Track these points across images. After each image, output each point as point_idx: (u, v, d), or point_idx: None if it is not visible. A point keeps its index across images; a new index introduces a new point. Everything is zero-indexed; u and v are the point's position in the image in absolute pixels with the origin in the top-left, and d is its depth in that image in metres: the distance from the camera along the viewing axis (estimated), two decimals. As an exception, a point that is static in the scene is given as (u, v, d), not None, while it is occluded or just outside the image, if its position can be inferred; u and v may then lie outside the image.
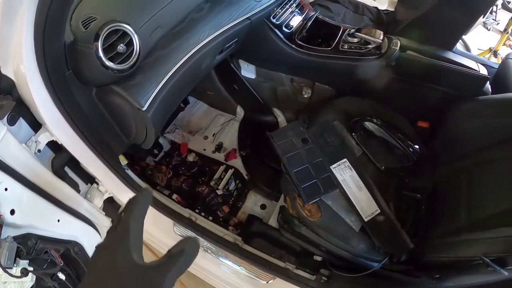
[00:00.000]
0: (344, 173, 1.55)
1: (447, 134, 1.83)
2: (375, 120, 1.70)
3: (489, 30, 4.72)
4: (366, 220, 1.47)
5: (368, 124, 1.71)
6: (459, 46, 3.51)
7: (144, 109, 1.21)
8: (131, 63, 1.17)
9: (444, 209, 1.65)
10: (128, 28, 1.14)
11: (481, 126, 1.69)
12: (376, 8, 2.73)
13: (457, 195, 1.61)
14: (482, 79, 1.79)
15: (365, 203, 1.50)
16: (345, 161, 1.58)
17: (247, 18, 1.59)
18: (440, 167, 1.80)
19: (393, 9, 2.60)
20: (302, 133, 1.62)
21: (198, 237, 1.61)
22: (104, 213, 1.52)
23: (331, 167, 1.55)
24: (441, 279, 1.39)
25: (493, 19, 4.77)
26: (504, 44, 4.18)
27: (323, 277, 1.52)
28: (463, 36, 3.45)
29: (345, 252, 1.50)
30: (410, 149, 1.68)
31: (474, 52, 3.74)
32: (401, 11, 2.46)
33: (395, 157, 1.71)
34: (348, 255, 1.51)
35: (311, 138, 1.61)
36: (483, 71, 1.81)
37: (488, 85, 1.82)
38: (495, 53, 3.64)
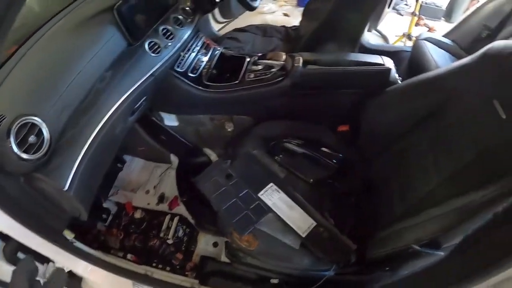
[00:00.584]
0: (273, 197, 1.60)
1: (367, 131, 1.90)
2: (291, 139, 1.77)
3: (402, 15, 4.91)
4: (303, 235, 1.51)
5: (286, 145, 1.77)
6: (376, 38, 3.67)
7: (65, 189, 1.23)
8: (45, 150, 1.20)
9: (381, 202, 1.71)
10: (35, 119, 1.17)
11: (395, 115, 1.77)
12: (284, 26, 2.82)
13: (389, 186, 1.67)
14: (384, 71, 1.87)
15: (299, 220, 1.55)
16: (272, 185, 1.63)
17: (150, 75, 1.64)
18: (370, 164, 1.87)
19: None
20: (225, 170, 1.67)
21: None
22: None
23: (259, 194, 1.60)
24: (392, 270, 1.43)
25: (405, 4, 4.98)
26: (418, 25, 4.37)
27: (281, 299, 1.55)
28: (379, 27, 3.61)
29: (294, 270, 1.54)
30: (333, 158, 1.74)
31: (392, 40, 3.87)
32: (304, 25, 2.56)
33: (320, 167, 1.76)
34: (298, 272, 1.54)
35: (235, 172, 1.66)
36: (387, 63, 1.91)
37: (394, 75, 1.90)
38: (409, 37, 3.77)
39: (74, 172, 1.27)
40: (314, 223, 1.55)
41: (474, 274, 0.85)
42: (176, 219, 2.11)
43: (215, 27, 2.67)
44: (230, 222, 1.51)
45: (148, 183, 2.34)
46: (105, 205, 2.22)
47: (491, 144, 1.33)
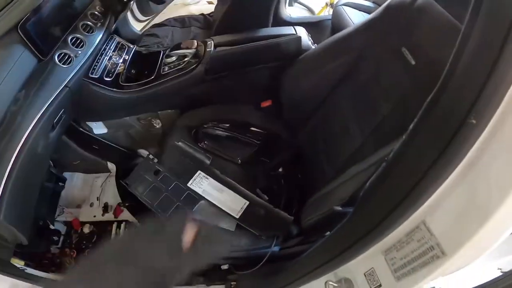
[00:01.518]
0: (202, 184, 1.60)
1: (288, 102, 1.92)
2: (210, 123, 1.77)
3: (327, -16, 4.92)
4: (237, 216, 1.53)
5: (209, 130, 1.78)
6: (301, 11, 3.68)
7: None
8: None
9: (312, 169, 1.73)
10: None
11: (311, 82, 1.78)
12: (202, 14, 2.80)
13: (318, 152, 1.70)
14: (294, 40, 1.88)
15: (231, 202, 1.56)
16: (199, 173, 1.64)
17: (64, 86, 1.60)
18: (298, 134, 1.89)
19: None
20: (153, 167, 1.66)
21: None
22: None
23: (188, 184, 1.60)
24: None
25: (326, -28, 4.98)
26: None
27: (232, 283, 1.56)
28: (301, 0, 3.62)
29: (237, 253, 1.55)
30: (256, 135, 1.76)
31: (318, 10, 3.88)
32: (217, 9, 2.55)
33: (245, 146, 1.78)
34: (242, 253, 1.56)
35: (163, 167, 1.66)
36: (300, 31, 1.92)
37: (307, 43, 1.92)
38: (332, 6, 3.79)
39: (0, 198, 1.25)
40: (247, 203, 1.57)
41: (370, 230, 0.84)
42: (122, 226, 2.10)
43: (137, 26, 2.62)
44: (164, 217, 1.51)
45: (91, 195, 2.31)
46: (54, 227, 2.18)
47: (403, 93, 1.36)
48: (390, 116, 1.40)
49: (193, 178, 1.62)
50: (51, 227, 2.14)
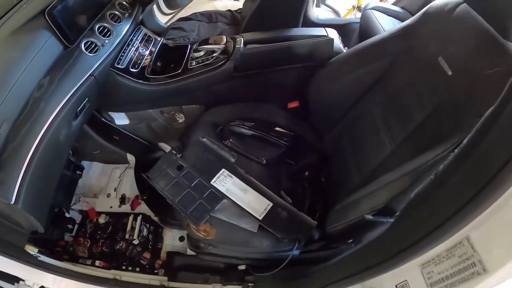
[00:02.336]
0: (226, 182, 1.58)
1: (317, 105, 1.89)
2: (237, 122, 1.74)
3: (353, -12, 4.89)
4: (260, 218, 1.49)
5: (235, 128, 1.75)
6: (327, 13, 3.65)
7: (12, 202, 1.20)
8: None
9: (338, 175, 1.71)
10: None
11: (342, 85, 1.75)
12: (229, 10, 2.78)
13: (345, 158, 1.67)
14: (326, 42, 1.84)
15: (255, 202, 1.53)
16: (223, 171, 1.61)
17: (90, 75, 1.58)
18: (324, 137, 1.86)
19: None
20: (176, 162, 1.64)
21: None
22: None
23: (211, 182, 1.57)
24: (355, 242, 1.42)
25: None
26: (366, -4, 4.35)
27: (249, 284, 1.55)
28: (328, 2, 3.59)
29: (257, 254, 1.53)
30: (283, 136, 1.72)
31: (343, 13, 3.85)
32: (246, 6, 2.53)
33: (271, 147, 1.75)
34: (262, 255, 1.53)
35: (186, 163, 1.63)
36: (331, 33, 1.88)
37: (338, 45, 1.88)
38: (359, 9, 3.77)
39: (19, 185, 1.24)
40: (271, 204, 1.54)
41: (413, 244, 0.81)
42: (139, 219, 2.07)
43: (162, 19, 2.60)
44: (185, 214, 1.49)
45: (108, 186, 2.30)
46: (69, 215, 2.18)
47: (438, 102, 1.32)
48: (423, 125, 1.36)
49: (216, 176, 1.59)
50: (67, 215, 2.13)
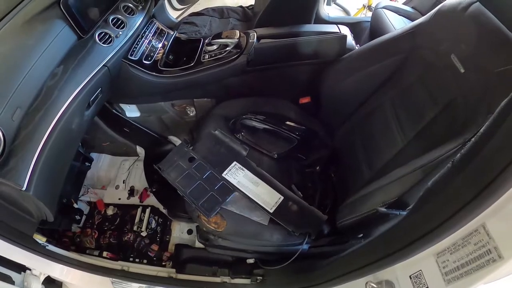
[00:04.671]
0: (237, 175, 1.58)
1: (328, 101, 1.90)
2: (250, 115, 1.75)
3: (363, -13, 4.90)
4: (271, 211, 1.50)
5: (247, 121, 1.75)
6: (337, 12, 3.66)
7: (24, 188, 1.20)
8: None
9: (348, 170, 1.71)
10: None
11: (354, 82, 1.75)
12: (241, 6, 2.79)
13: (355, 153, 1.67)
14: (340, 38, 1.85)
15: (266, 195, 1.53)
16: (235, 164, 1.61)
17: (103, 65, 1.59)
18: (335, 132, 1.86)
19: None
20: (187, 153, 1.64)
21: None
22: (47, 294, 1.52)
23: (223, 174, 1.58)
24: (366, 236, 1.42)
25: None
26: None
27: (258, 277, 1.55)
28: (338, 1, 3.60)
29: (267, 247, 1.53)
30: (295, 130, 1.73)
31: (353, 12, 3.86)
32: (258, 2, 2.53)
33: (283, 141, 1.75)
34: (272, 248, 1.54)
35: (198, 155, 1.64)
36: (344, 30, 1.89)
37: (351, 42, 1.88)
38: (369, 8, 3.77)
39: (31, 171, 1.24)
40: (282, 198, 1.54)
41: (429, 232, 0.81)
42: (147, 211, 2.08)
43: (173, 14, 2.62)
44: (196, 205, 1.49)
45: (117, 178, 2.31)
46: (77, 206, 2.18)
47: (450, 99, 1.33)
48: (436, 120, 1.37)
49: (228, 168, 1.60)
50: (75, 205, 2.14)
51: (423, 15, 2.57)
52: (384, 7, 2.78)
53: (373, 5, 3.70)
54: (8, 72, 1.29)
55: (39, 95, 1.36)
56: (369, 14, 3.70)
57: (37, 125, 1.30)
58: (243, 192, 1.53)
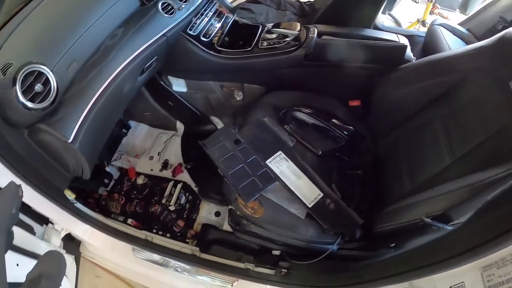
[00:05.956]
0: (281, 165, 1.58)
1: (379, 107, 1.88)
2: (303, 108, 1.74)
3: (417, 2, 4.86)
4: (310, 206, 1.49)
5: (297, 114, 1.75)
6: (389, 22, 3.63)
7: (70, 140, 1.21)
8: (51, 100, 1.17)
9: (389, 178, 1.69)
10: (42, 68, 1.15)
11: (408, 93, 1.74)
12: (298, 1, 2.77)
13: (398, 163, 1.66)
14: (401, 48, 1.83)
15: (306, 189, 1.53)
16: (280, 154, 1.61)
17: (162, 35, 1.60)
18: (380, 139, 1.85)
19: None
20: (234, 135, 1.65)
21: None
22: (64, 251, 1.52)
23: (267, 162, 1.58)
24: (397, 247, 1.41)
25: (420, -9, 4.93)
26: (432, 13, 4.31)
27: (282, 270, 1.54)
28: (392, 12, 3.57)
29: (298, 241, 1.52)
30: (343, 130, 1.72)
31: (405, 25, 3.82)
32: (318, 0, 2.52)
33: (330, 139, 1.75)
34: (302, 243, 1.53)
35: (244, 138, 1.64)
36: (403, 40, 1.87)
37: (409, 53, 1.86)
38: (423, 23, 3.75)
39: (79, 125, 1.25)
40: (321, 194, 1.54)
41: (481, 246, 0.80)
42: (179, 186, 2.09)
43: (228, -1, 2.62)
44: (236, 188, 1.49)
45: (152, 149, 2.32)
46: (108, 170, 2.20)
47: (503, 125, 1.32)
48: (485, 144, 1.36)
49: (272, 157, 1.60)
50: (106, 169, 2.15)
51: (476, 38, 2.56)
52: (441, 25, 2.75)
53: (427, 21, 3.68)
54: (70, 23, 1.31)
55: (97, 52, 1.37)
56: (422, 29, 3.68)
57: (91, 81, 1.32)
58: (284, 183, 1.53)
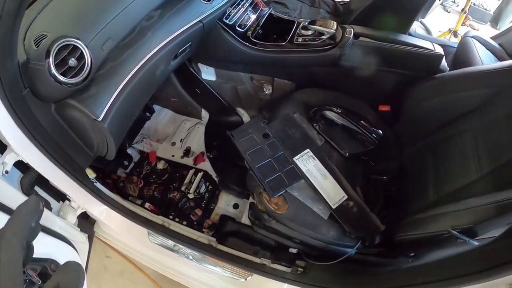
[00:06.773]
0: (308, 163, 1.56)
1: (409, 115, 1.86)
2: (334, 108, 1.72)
3: (449, 12, 4.82)
4: (334, 207, 1.48)
5: (328, 113, 1.73)
6: (420, 29, 3.59)
7: (100, 119, 1.20)
8: (84, 76, 1.16)
9: (413, 188, 1.68)
10: (78, 42, 1.13)
11: (440, 103, 1.72)
12: (333, 0, 2.75)
13: (424, 173, 1.64)
14: (437, 57, 1.80)
15: (331, 190, 1.51)
16: (308, 152, 1.59)
17: (199, 21, 1.59)
18: (406, 148, 1.83)
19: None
20: (263, 129, 1.63)
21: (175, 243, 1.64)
22: (79, 229, 1.52)
23: (294, 158, 1.56)
24: (416, 257, 1.41)
25: (452, 1, 4.87)
26: (464, 24, 4.26)
27: (299, 269, 1.53)
28: (423, 20, 3.53)
29: (318, 241, 1.51)
30: (373, 134, 1.70)
31: (435, 34, 3.79)
32: (355, 1, 2.49)
33: (358, 142, 1.73)
34: (321, 244, 1.51)
35: (272, 133, 1.63)
36: (439, 49, 1.84)
37: (444, 63, 1.83)
38: (454, 33, 3.71)
39: (111, 104, 1.24)
40: (346, 196, 1.52)
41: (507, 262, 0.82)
42: (200, 175, 2.08)
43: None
44: (262, 182, 1.48)
45: (175, 135, 2.32)
46: (128, 151, 2.20)
47: None
48: (514, 162, 1.33)
49: (300, 154, 1.58)
50: (128, 151, 2.15)
51: (508, 55, 2.52)
52: (474, 37, 2.70)
53: (459, 31, 3.64)
54: (108, 1, 1.30)
55: (132, 33, 1.36)
56: (453, 39, 3.64)
57: (125, 60, 1.30)
58: (310, 181, 1.52)
